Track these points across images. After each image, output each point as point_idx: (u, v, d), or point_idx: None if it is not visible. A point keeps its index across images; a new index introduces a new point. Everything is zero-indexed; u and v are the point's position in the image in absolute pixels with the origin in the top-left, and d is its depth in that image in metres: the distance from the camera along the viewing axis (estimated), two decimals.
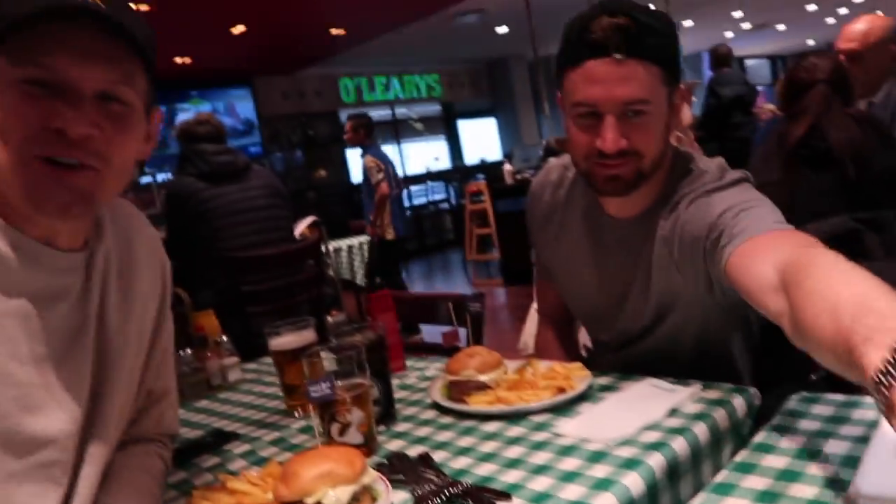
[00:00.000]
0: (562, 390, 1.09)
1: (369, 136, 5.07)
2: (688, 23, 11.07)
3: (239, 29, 7.02)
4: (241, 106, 9.49)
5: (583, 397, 1.09)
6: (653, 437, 0.91)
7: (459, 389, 1.13)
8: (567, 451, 0.91)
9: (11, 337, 0.74)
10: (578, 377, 1.12)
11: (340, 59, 9.35)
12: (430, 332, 1.74)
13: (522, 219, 1.49)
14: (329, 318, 3.04)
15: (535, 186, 1.41)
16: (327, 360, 1.04)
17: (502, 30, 9.71)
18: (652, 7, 1.10)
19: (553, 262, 1.39)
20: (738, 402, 1.00)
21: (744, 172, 1.17)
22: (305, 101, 10.24)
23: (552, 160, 1.45)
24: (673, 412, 0.98)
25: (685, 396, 1.01)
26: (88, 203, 0.77)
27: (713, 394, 1.03)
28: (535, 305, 1.72)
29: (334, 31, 7.84)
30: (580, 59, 1.07)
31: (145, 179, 8.69)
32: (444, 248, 10.24)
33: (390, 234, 4.93)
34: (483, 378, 1.13)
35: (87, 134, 0.74)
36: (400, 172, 11.10)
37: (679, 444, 0.89)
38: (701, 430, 0.92)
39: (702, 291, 1.12)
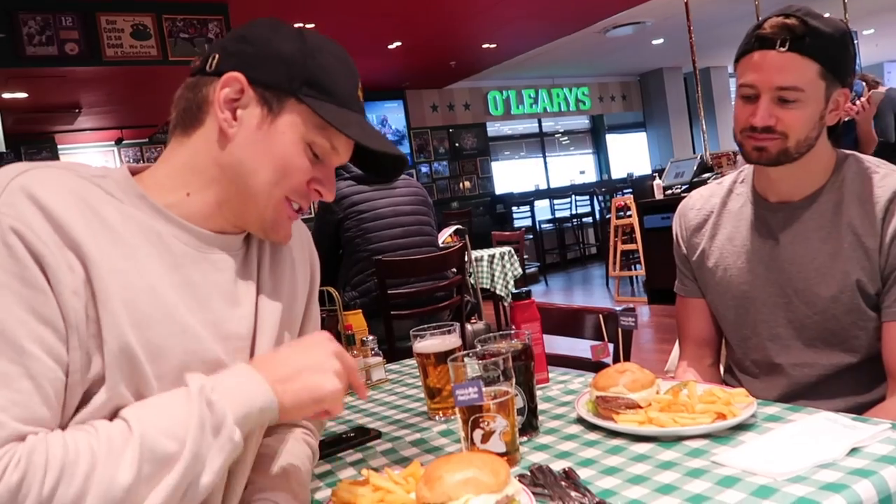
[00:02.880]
0: (721, 416, 1.00)
1: None
2: (868, 31, 10.16)
3: (395, 44, 7.30)
4: (393, 117, 9.86)
5: (745, 426, 1.00)
6: (830, 476, 0.81)
7: (607, 406, 1.08)
8: (728, 482, 0.83)
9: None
10: (741, 404, 1.03)
11: (489, 72, 9.47)
12: (575, 346, 1.69)
13: (670, 235, 1.53)
14: (469, 326, 3.05)
15: (683, 203, 1.52)
16: (470, 367, 1.03)
17: (657, 41, 9.39)
18: (828, 15, 1.24)
19: (705, 265, 1.43)
20: None
21: None
22: (454, 114, 10.47)
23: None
24: (854, 451, 0.87)
25: (869, 435, 0.90)
26: None
27: None
28: None
29: (486, 46, 7.94)
30: (751, 50, 1.24)
31: None
32: (586, 263, 10.03)
33: None
34: (634, 396, 1.07)
35: None
36: (544, 185, 11.14)
37: (863, 488, 0.78)
38: (891, 475, 0.81)
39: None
